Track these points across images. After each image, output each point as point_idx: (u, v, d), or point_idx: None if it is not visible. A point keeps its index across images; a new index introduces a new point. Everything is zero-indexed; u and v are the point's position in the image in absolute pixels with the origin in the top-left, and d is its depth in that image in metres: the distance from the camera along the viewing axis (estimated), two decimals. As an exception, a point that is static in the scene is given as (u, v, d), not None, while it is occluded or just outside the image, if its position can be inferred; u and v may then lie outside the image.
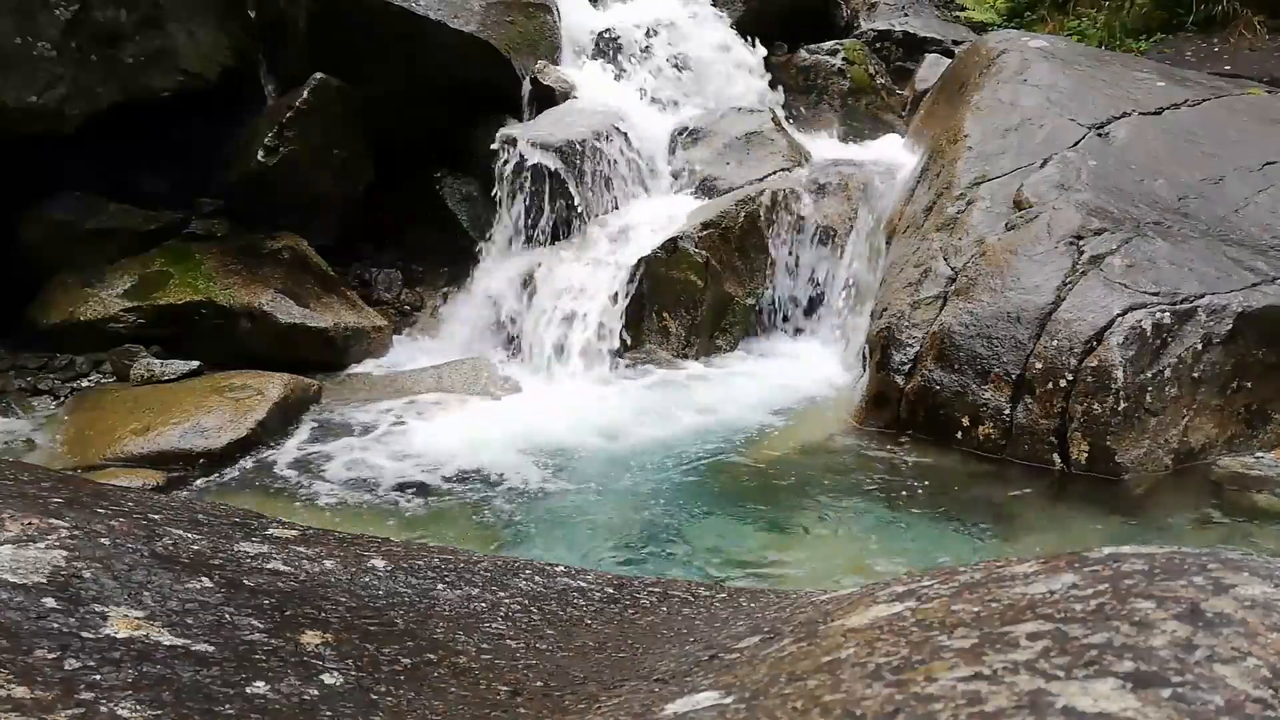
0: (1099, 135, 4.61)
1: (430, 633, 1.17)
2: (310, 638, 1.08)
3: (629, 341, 4.79)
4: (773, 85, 6.24)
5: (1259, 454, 3.73)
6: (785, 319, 5.06)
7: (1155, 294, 3.73)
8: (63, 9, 4.35)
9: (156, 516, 1.35)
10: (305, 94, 4.92)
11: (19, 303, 4.55)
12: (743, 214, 4.98)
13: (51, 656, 0.91)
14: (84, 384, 4.34)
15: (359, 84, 5.09)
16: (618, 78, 5.87)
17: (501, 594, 1.33)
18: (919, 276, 4.23)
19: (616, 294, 4.78)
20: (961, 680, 0.73)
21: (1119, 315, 3.67)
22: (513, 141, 5.07)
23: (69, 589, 1.04)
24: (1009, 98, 4.92)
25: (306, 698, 0.96)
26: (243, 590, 1.16)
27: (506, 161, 5.06)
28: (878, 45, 6.89)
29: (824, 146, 5.84)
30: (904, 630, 0.87)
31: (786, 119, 5.88)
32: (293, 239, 4.91)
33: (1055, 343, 3.71)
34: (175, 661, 0.96)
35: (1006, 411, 3.77)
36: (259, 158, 4.84)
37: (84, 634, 0.97)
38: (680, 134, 5.49)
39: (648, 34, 6.04)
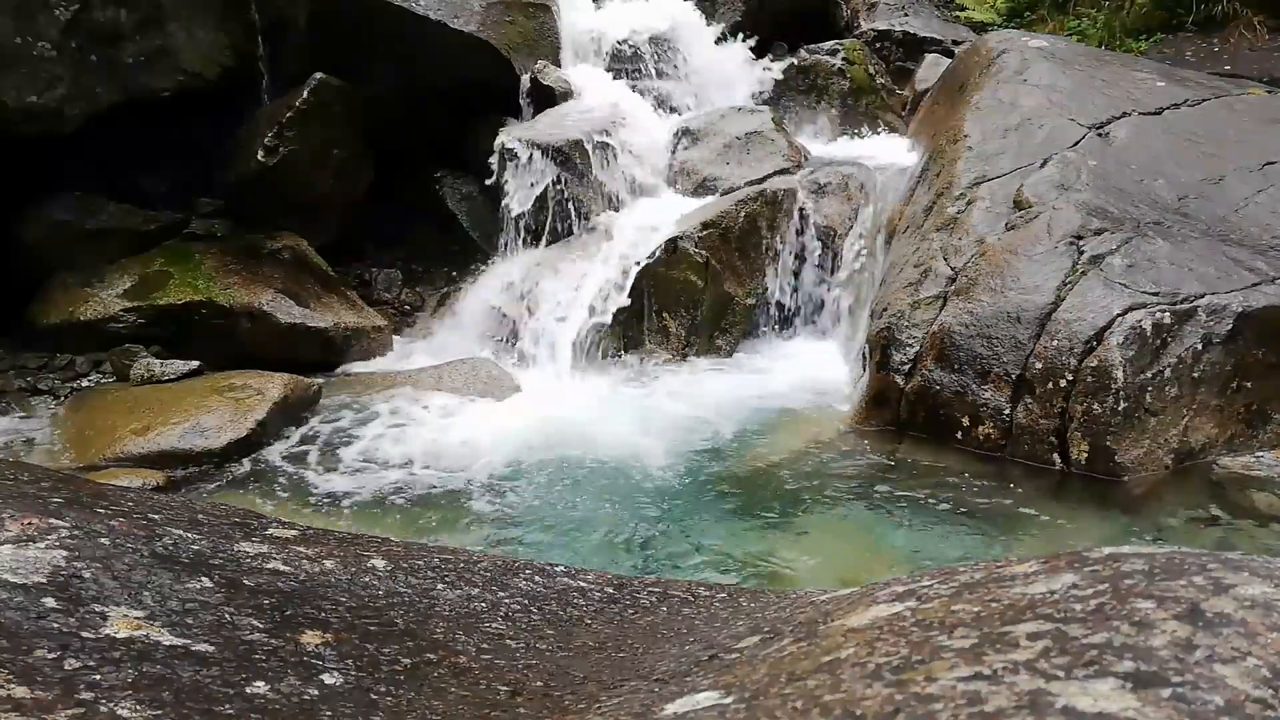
0: (1099, 135, 4.61)
1: (430, 633, 1.17)
2: (310, 638, 1.08)
3: (629, 342, 4.79)
4: (772, 85, 6.24)
5: (1259, 454, 3.72)
6: (785, 319, 5.05)
7: (1155, 294, 3.73)
8: (63, 9, 4.35)
9: (156, 516, 1.35)
10: (305, 94, 4.92)
11: (19, 303, 4.55)
12: (743, 214, 4.98)
13: (51, 656, 0.91)
14: (84, 384, 4.34)
15: (359, 84, 5.09)
16: (618, 78, 5.86)
17: (501, 594, 1.33)
18: (919, 276, 4.23)
19: (616, 295, 4.78)
20: (961, 680, 0.73)
21: (1119, 315, 3.67)
22: (512, 142, 5.07)
23: (69, 589, 1.04)
24: (1009, 98, 4.92)
25: (306, 698, 0.96)
26: (243, 590, 1.16)
27: (506, 161, 5.06)
28: (878, 45, 6.89)
29: (824, 147, 5.84)
30: (904, 630, 0.87)
31: (785, 119, 5.88)
32: (293, 239, 4.91)
33: (1055, 343, 3.71)
34: (175, 661, 0.96)
35: (1006, 411, 3.76)
36: (259, 158, 4.85)
37: (84, 634, 0.97)
38: (680, 134, 5.49)
39: (648, 34, 6.04)
